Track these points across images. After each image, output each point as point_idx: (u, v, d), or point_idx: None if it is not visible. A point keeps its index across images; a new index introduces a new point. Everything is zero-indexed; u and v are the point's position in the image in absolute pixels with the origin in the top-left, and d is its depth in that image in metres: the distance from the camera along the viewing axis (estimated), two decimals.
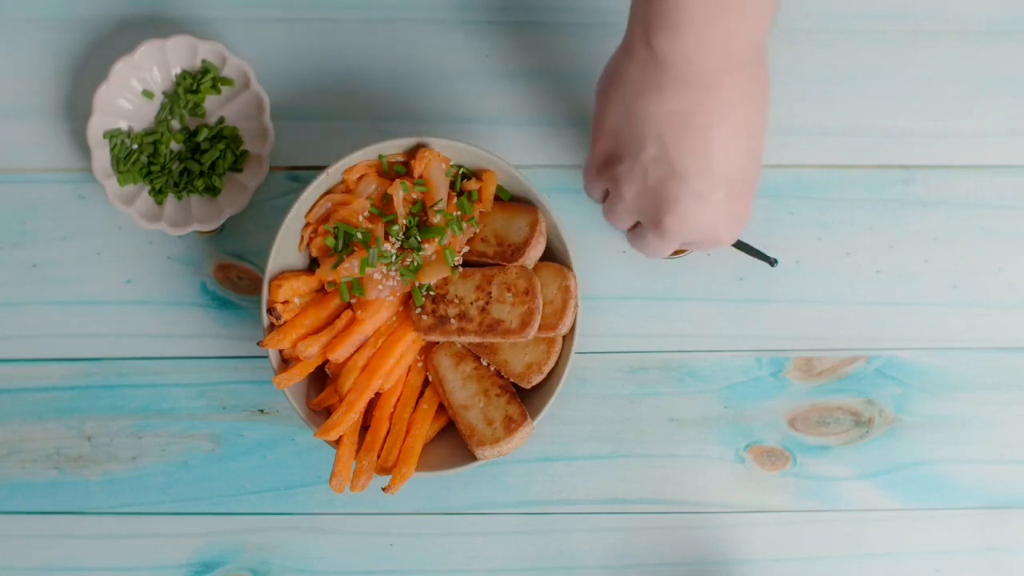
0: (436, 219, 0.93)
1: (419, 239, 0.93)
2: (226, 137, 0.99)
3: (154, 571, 1.01)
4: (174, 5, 1.01)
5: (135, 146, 0.99)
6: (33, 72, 1.01)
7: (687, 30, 0.78)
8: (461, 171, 0.95)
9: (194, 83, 0.99)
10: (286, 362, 0.94)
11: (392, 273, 0.93)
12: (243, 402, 1.01)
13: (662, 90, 0.81)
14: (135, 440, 1.01)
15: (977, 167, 1.02)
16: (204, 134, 0.99)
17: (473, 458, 0.94)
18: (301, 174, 1.01)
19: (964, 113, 1.02)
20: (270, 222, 1.01)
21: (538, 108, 1.02)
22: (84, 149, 1.01)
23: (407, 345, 0.94)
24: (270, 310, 0.93)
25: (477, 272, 0.94)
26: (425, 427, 0.95)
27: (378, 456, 0.94)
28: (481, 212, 0.95)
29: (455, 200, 0.94)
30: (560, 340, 0.94)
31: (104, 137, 0.98)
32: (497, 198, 0.96)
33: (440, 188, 0.94)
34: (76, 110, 1.01)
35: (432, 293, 0.94)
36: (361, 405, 0.93)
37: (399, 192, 0.93)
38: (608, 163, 0.86)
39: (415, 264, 0.93)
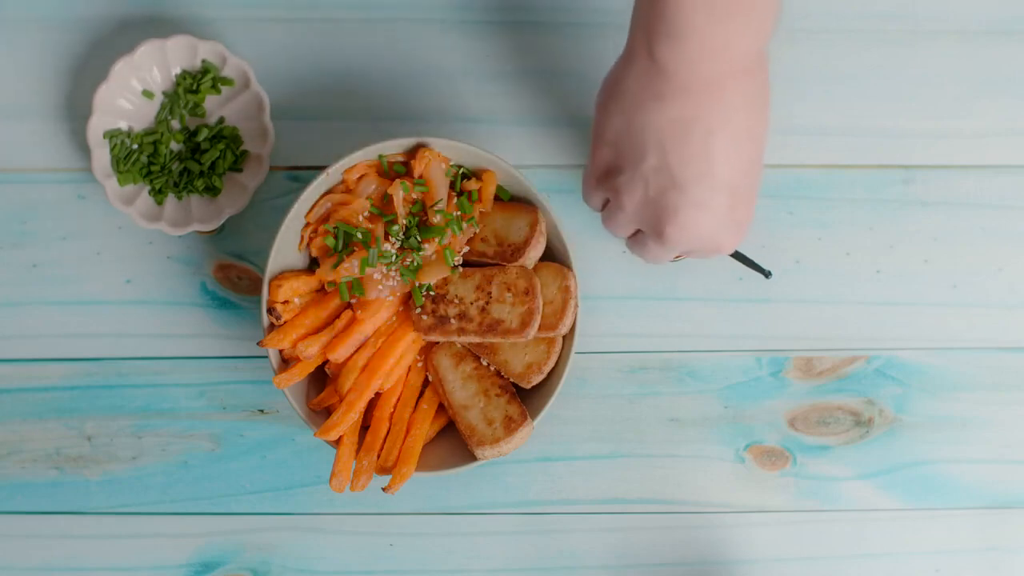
0: (436, 219, 0.93)
1: (419, 239, 0.93)
2: (226, 137, 0.99)
3: (154, 571, 1.01)
4: (174, 5, 1.01)
5: (135, 146, 0.99)
6: (33, 72, 1.01)
7: (689, 39, 0.78)
8: (461, 171, 0.95)
9: (194, 83, 0.99)
10: (286, 362, 0.94)
11: (392, 273, 0.93)
12: (243, 402, 1.01)
13: (663, 99, 0.81)
14: (135, 440, 1.01)
15: (977, 167, 1.02)
16: (204, 134, 0.99)
17: (473, 458, 0.94)
18: (301, 174, 1.01)
19: (964, 113, 1.02)
20: (270, 222, 1.01)
21: (538, 108, 1.02)
22: (84, 149, 1.01)
23: (407, 345, 0.94)
24: (270, 310, 0.93)
25: (477, 272, 0.94)
26: (425, 427, 0.95)
27: (378, 456, 0.94)
28: (481, 212, 0.95)
29: (455, 200, 0.94)
30: (560, 340, 0.94)
31: (104, 137, 0.98)
32: (497, 198, 0.96)
33: (440, 188, 0.94)
34: (76, 110, 1.01)
35: (432, 293, 0.94)
36: (361, 405, 0.93)
37: (399, 192, 0.93)
38: (608, 173, 0.86)
39: (415, 264, 0.93)
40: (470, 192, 0.95)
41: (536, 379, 0.94)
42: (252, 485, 1.02)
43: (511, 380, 0.94)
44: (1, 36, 1.01)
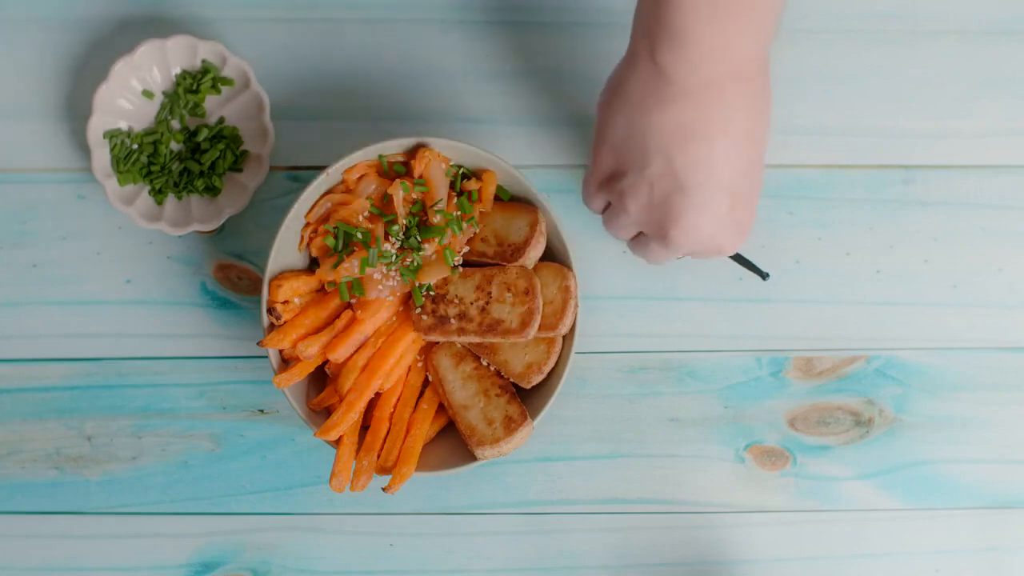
0: (436, 219, 0.93)
1: (419, 239, 0.93)
2: (226, 137, 0.99)
3: (154, 571, 1.01)
4: (174, 5, 1.01)
5: (135, 146, 0.99)
6: (33, 72, 1.01)
7: (692, 43, 0.78)
8: (461, 171, 0.95)
9: (194, 83, 0.99)
10: (286, 362, 0.94)
11: (392, 273, 0.93)
12: (243, 402, 1.01)
13: (666, 103, 0.81)
14: (135, 440, 1.01)
15: (977, 167, 1.02)
16: (204, 134, 0.99)
17: (473, 458, 0.94)
18: (301, 174, 1.01)
19: (964, 113, 1.02)
20: (270, 222, 1.01)
21: (538, 108, 1.02)
22: (84, 149, 1.01)
23: (407, 345, 0.94)
24: (270, 310, 0.93)
25: (477, 272, 0.94)
26: (425, 427, 0.95)
27: (378, 456, 0.94)
28: (481, 212, 0.95)
29: (455, 200, 0.94)
30: (560, 340, 0.94)
31: (104, 137, 0.98)
32: (497, 198, 0.96)
33: (440, 188, 0.94)
34: (76, 110, 1.01)
35: (432, 293, 0.94)
36: (361, 405, 0.93)
37: (399, 192, 0.93)
38: (611, 177, 0.86)
39: (415, 264, 0.93)
40: (470, 192, 0.95)
41: (536, 379, 0.94)
42: (252, 485, 1.02)
43: (511, 380, 0.94)
44: (1, 36, 1.01)
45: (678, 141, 0.81)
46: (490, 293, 0.93)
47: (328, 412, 0.95)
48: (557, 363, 0.94)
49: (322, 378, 0.97)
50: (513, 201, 0.96)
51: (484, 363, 0.95)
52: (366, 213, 0.94)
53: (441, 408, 0.96)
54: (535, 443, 1.01)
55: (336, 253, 0.93)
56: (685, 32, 0.78)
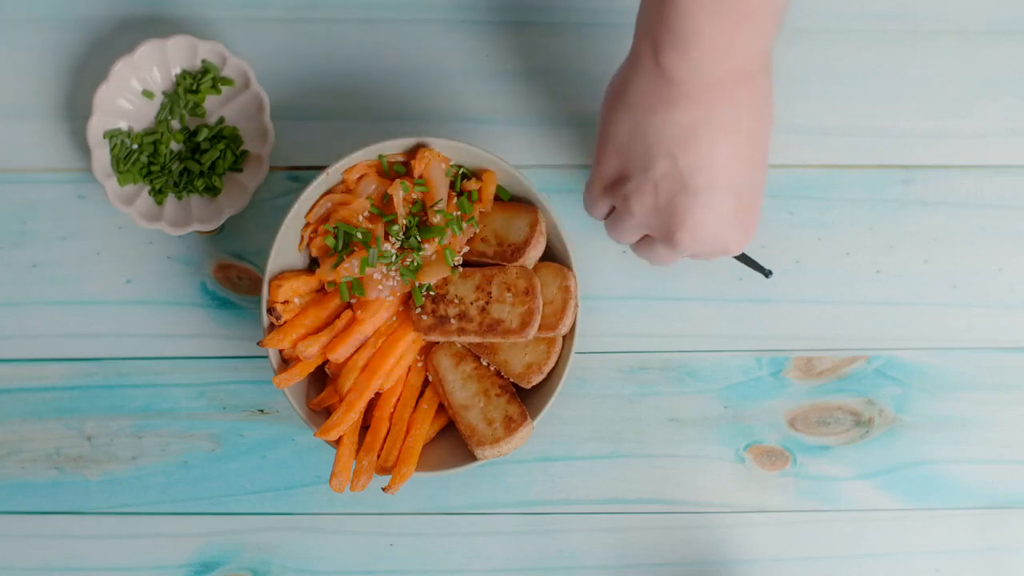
0: (436, 219, 0.93)
1: (419, 239, 0.93)
2: (226, 137, 0.99)
3: (154, 571, 1.01)
4: (174, 5, 1.01)
5: (135, 146, 0.99)
6: (33, 72, 1.01)
7: (695, 45, 0.78)
8: (461, 171, 0.95)
9: (194, 83, 0.99)
10: (286, 362, 0.94)
11: (392, 273, 0.93)
12: (243, 402, 1.01)
13: (670, 105, 0.81)
14: (135, 440, 1.01)
15: (977, 167, 1.02)
16: (204, 134, 0.99)
17: (473, 458, 0.94)
18: (301, 174, 1.01)
19: (964, 113, 1.02)
20: (270, 222, 1.01)
21: (538, 108, 1.02)
22: (84, 149, 1.01)
23: (407, 345, 0.94)
24: (270, 310, 0.93)
25: (477, 272, 0.94)
26: (425, 427, 0.95)
27: (378, 456, 0.94)
28: (481, 212, 0.95)
29: (455, 200, 0.94)
30: (560, 340, 0.94)
31: (104, 137, 0.98)
32: (497, 198, 0.96)
33: (440, 188, 0.94)
34: (76, 110, 1.01)
35: (432, 293, 0.94)
36: (361, 405, 0.93)
37: (399, 192, 0.93)
38: (616, 181, 0.86)
39: (415, 264, 0.93)
40: (470, 192, 0.95)
41: (536, 379, 0.94)
42: (252, 485, 1.02)
43: (511, 380, 0.94)
44: (1, 36, 1.01)
45: (682, 142, 0.81)
46: (490, 293, 0.93)
47: (328, 412, 0.95)
48: (557, 363, 0.94)
49: (322, 378, 0.97)
50: (513, 201, 0.96)
51: (484, 363, 0.95)
52: (366, 213, 0.94)
53: (441, 408, 0.96)
54: (535, 443, 1.01)
55: (336, 253, 0.93)
56: (688, 33, 0.78)
